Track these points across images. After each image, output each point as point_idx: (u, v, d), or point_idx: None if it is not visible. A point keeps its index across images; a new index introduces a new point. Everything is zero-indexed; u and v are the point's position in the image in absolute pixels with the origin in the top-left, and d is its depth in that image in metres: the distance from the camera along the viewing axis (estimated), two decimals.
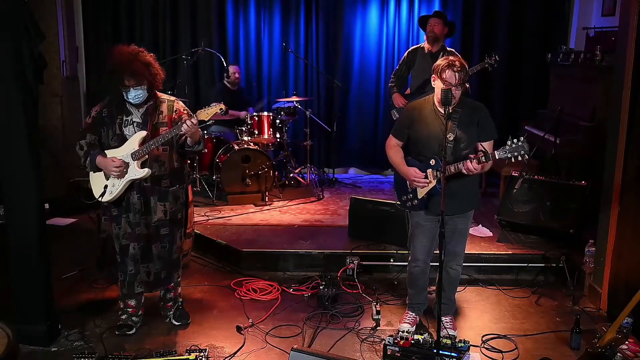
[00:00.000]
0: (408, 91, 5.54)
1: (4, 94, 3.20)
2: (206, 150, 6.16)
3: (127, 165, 3.31)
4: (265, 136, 6.22)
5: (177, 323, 3.72)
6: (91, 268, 4.53)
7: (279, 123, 6.30)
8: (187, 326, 3.71)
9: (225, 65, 6.52)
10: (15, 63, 3.17)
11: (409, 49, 5.56)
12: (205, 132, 6.21)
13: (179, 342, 3.49)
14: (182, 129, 3.20)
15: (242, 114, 6.41)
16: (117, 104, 3.36)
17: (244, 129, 6.20)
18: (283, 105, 6.49)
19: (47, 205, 5.09)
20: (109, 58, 3.31)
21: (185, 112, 3.44)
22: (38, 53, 3.32)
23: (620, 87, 3.75)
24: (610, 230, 3.86)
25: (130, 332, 3.57)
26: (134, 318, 3.63)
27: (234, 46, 7.17)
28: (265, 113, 6.25)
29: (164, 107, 3.42)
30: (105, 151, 3.37)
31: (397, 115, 5.30)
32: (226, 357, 3.36)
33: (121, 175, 3.31)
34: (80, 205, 5.55)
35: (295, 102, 6.45)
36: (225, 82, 6.54)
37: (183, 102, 6.20)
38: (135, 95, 3.28)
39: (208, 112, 3.21)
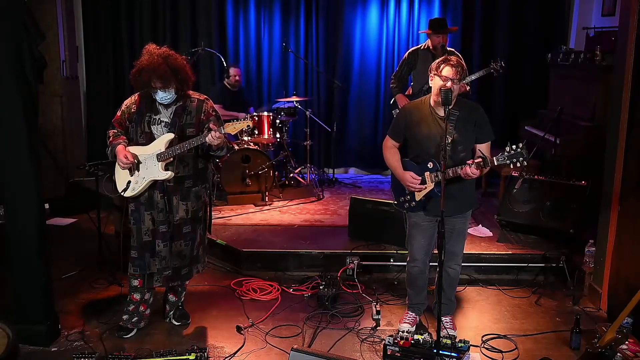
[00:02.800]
0: (409, 91, 5.55)
1: (4, 94, 3.20)
2: None
3: (138, 162, 3.34)
4: (265, 136, 6.22)
5: (177, 323, 3.72)
6: (91, 268, 4.53)
7: (279, 123, 6.30)
8: (187, 326, 3.71)
9: (225, 65, 6.51)
10: (15, 63, 3.17)
11: (410, 50, 5.55)
12: None
13: (179, 342, 3.49)
14: (207, 139, 3.21)
15: (242, 115, 6.39)
16: (147, 101, 3.38)
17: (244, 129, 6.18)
18: (283, 105, 6.49)
19: (47, 205, 5.10)
20: (139, 57, 3.31)
21: (213, 114, 3.44)
22: (38, 53, 3.32)
23: (620, 87, 3.75)
24: (610, 230, 3.86)
25: (128, 336, 3.56)
26: (134, 319, 3.62)
27: (234, 46, 7.17)
28: (265, 113, 6.25)
29: (193, 107, 3.41)
30: (132, 147, 3.39)
31: None
32: (226, 357, 3.36)
33: (130, 169, 3.35)
34: (80, 205, 5.63)
35: (295, 102, 6.45)
36: (226, 83, 6.53)
37: None
38: (163, 96, 3.30)
39: (235, 127, 3.22)
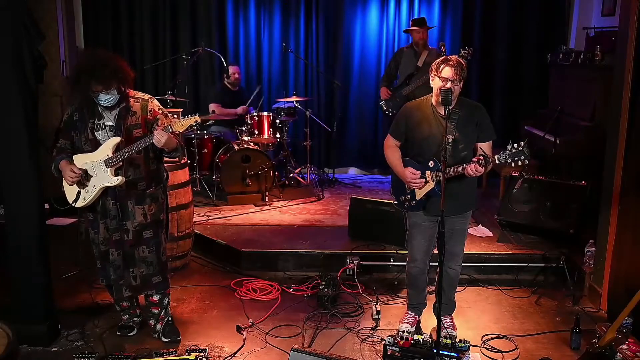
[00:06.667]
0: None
1: (4, 94, 3.20)
2: (206, 150, 6.17)
3: (86, 175, 3.20)
4: (265, 136, 6.23)
5: (165, 340, 3.52)
6: (91, 268, 4.52)
7: (279, 123, 6.31)
8: (177, 343, 3.50)
9: (225, 65, 6.52)
10: (15, 63, 3.17)
11: (397, 50, 6.12)
12: (205, 132, 6.22)
13: (179, 342, 3.49)
14: (154, 140, 3.08)
15: (239, 109, 6.42)
16: (88, 107, 3.23)
17: (244, 129, 6.20)
18: (283, 105, 6.49)
19: (47, 205, 5.09)
20: (76, 64, 3.23)
21: (160, 111, 3.32)
22: (38, 53, 3.32)
23: (620, 87, 3.75)
24: (610, 230, 3.86)
25: (131, 334, 3.57)
26: (135, 318, 3.63)
27: (234, 46, 7.17)
28: (265, 113, 6.26)
29: (137, 108, 3.26)
30: (79, 155, 3.25)
31: (385, 107, 5.92)
32: (226, 357, 3.36)
33: (76, 184, 3.22)
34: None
35: (295, 102, 6.45)
36: (226, 83, 6.54)
37: (182, 102, 6.24)
38: (105, 99, 3.16)
39: (183, 124, 3.09)
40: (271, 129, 6.24)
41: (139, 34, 7.07)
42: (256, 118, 6.20)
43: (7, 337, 3.19)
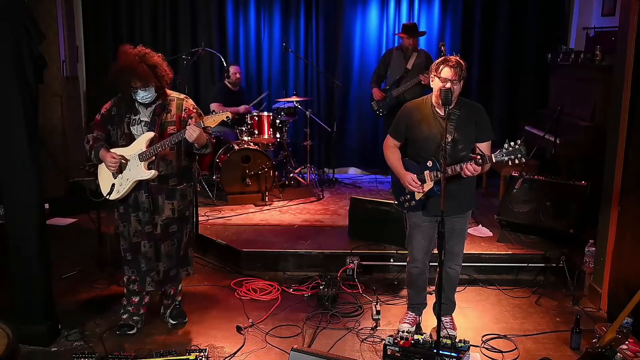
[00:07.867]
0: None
1: (4, 94, 3.20)
2: None
3: (126, 161, 3.35)
4: (265, 136, 6.23)
5: (173, 322, 3.70)
6: (91, 268, 4.53)
7: (279, 123, 6.31)
8: (183, 325, 3.69)
9: (225, 65, 6.52)
10: (15, 63, 3.17)
11: (387, 50, 6.27)
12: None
13: (179, 342, 3.49)
14: (186, 135, 3.22)
15: (241, 108, 6.41)
16: (126, 102, 3.38)
17: (244, 129, 6.20)
18: (283, 106, 6.49)
19: (47, 205, 5.09)
20: (116, 59, 3.32)
21: (195, 110, 3.44)
22: (38, 53, 3.32)
23: (620, 87, 3.75)
24: (610, 230, 3.86)
25: (131, 332, 3.58)
26: (135, 317, 3.63)
27: (234, 46, 7.17)
28: (265, 113, 6.26)
29: (173, 106, 3.42)
30: (113, 149, 3.39)
31: (376, 108, 6.05)
32: (226, 357, 3.36)
33: (117, 170, 3.35)
34: (80, 205, 5.62)
35: (295, 102, 6.45)
36: (226, 82, 6.54)
37: None
38: (143, 95, 3.30)
39: (215, 119, 3.23)
40: (271, 129, 6.24)
41: (139, 34, 7.07)
42: (256, 118, 6.20)
43: (7, 337, 3.18)
